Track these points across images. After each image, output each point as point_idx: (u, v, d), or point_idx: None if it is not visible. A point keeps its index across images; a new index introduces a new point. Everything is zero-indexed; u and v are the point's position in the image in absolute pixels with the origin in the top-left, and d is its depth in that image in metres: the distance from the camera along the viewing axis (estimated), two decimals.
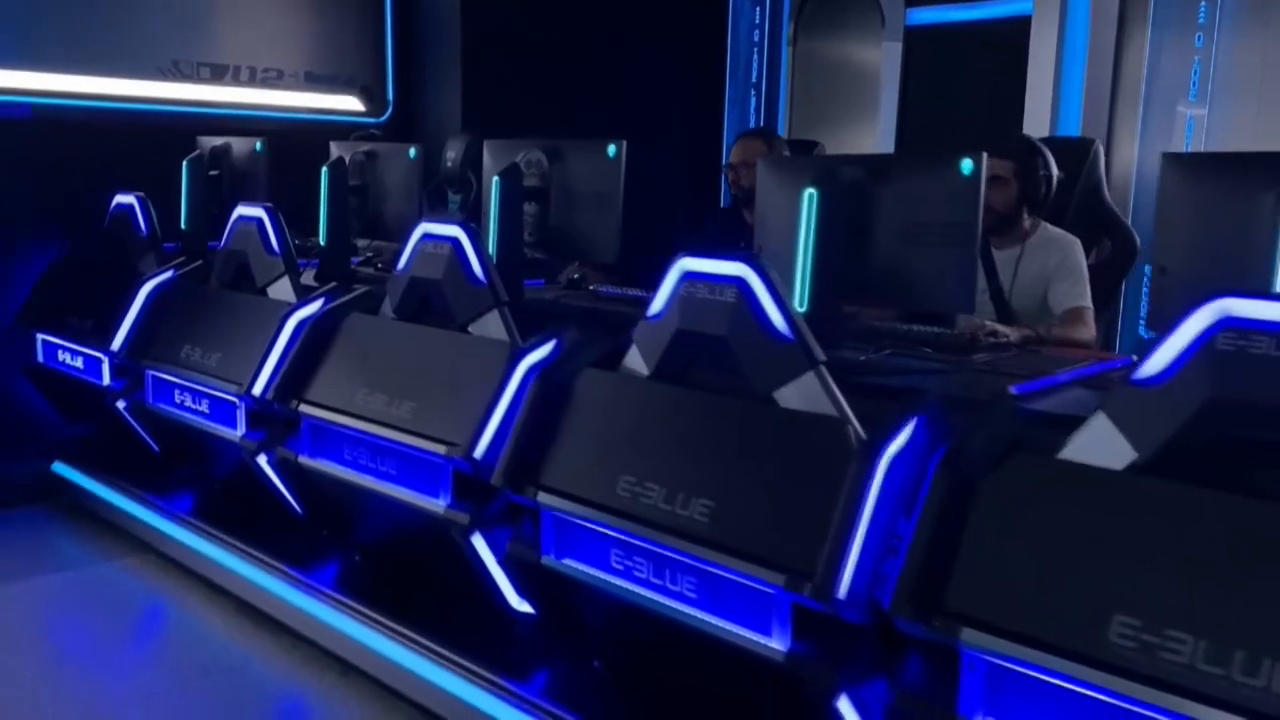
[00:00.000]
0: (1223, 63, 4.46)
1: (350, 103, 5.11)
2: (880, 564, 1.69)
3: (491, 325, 2.51)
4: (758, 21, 5.98)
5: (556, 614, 2.31)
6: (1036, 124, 4.76)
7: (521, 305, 2.76)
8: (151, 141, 4.31)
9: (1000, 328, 2.50)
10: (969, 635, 1.54)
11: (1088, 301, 2.76)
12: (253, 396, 2.87)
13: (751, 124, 6.02)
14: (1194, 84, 4.49)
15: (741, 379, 1.96)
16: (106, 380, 3.56)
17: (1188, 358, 1.48)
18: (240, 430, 3.02)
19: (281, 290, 3.14)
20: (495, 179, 2.77)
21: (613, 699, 2.25)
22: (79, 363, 3.75)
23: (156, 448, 3.57)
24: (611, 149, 2.70)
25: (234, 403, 3.02)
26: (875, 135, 5.49)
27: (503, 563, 2.26)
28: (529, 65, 5.28)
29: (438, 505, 2.42)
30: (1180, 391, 1.48)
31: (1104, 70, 4.69)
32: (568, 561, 2.15)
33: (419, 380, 2.54)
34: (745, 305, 1.94)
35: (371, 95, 5.16)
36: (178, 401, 3.28)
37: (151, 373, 3.35)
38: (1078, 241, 2.84)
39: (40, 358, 3.98)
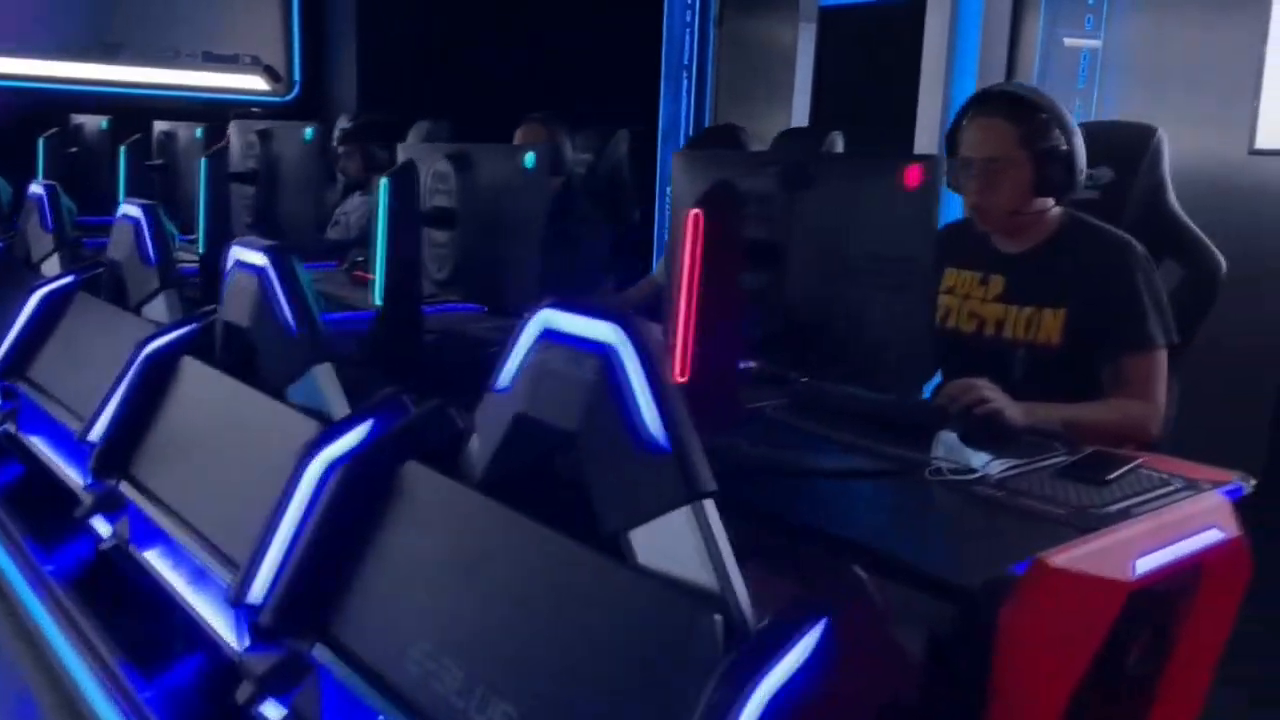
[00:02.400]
0: (1114, 44, 4.16)
1: (256, 82, 5.18)
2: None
3: (158, 308, 2.51)
4: (690, 1, 5.83)
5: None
6: (930, 105, 4.54)
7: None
8: (35, 120, 4.44)
9: None
10: (320, 651, 1.48)
11: None
12: None
13: (683, 107, 5.90)
14: (1083, 66, 4.20)
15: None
16: None
17: (519, 369, 1.38)
18: None
19: (51, 266, 3.21)
20: (202, 161, 2.76)
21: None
22: None
23: None
24: (309, 132, 2.67)
25: None
26: (791, 117, 5.31)
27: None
28: (439, 43, 5.27)
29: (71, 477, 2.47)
30: (505, 404, 1.39)
31: (998, 49, 4.43)
32: (131, 545, 2.16)
33: (89, 359, 2.57)
34: (264, 297, 1.90)
35: (276, 75, 5.22)
36: None
37: None
38: None
39: None
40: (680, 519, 1.17)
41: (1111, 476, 1.50)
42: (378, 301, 2.11)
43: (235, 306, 1.99)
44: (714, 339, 1.50)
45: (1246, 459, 3.74)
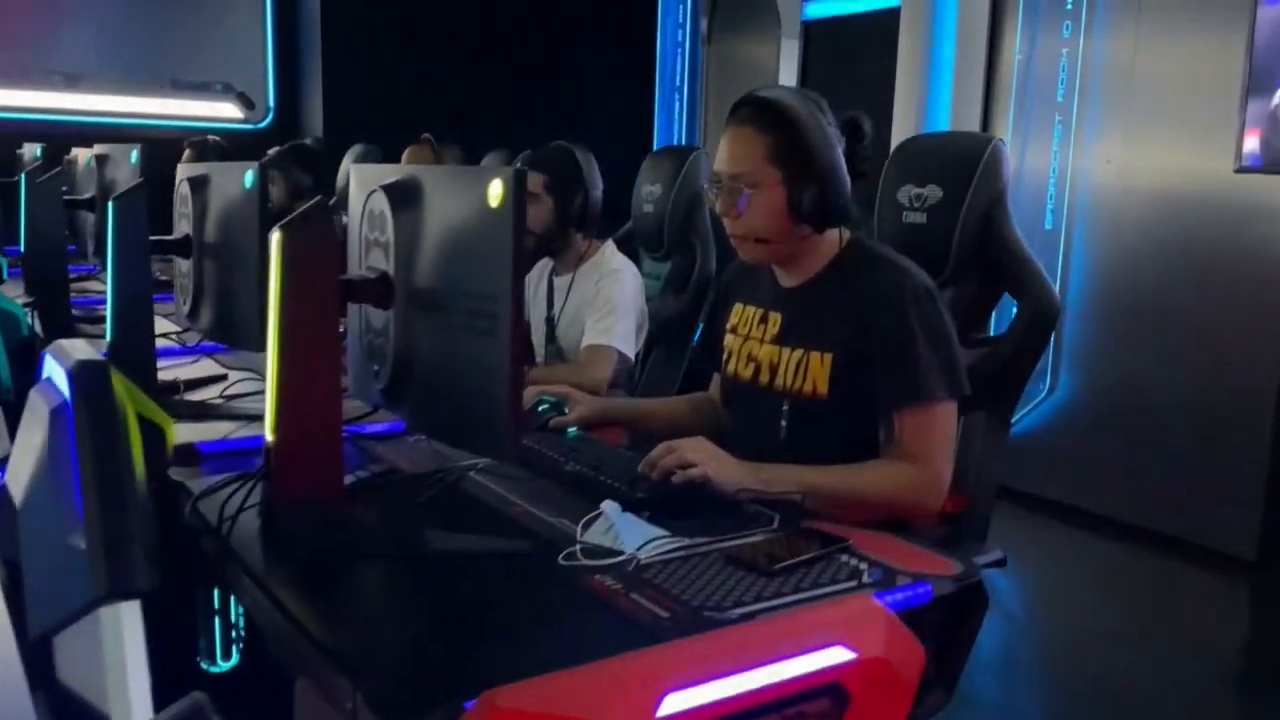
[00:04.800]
0: (1092, 52, 3.79)
1: (228, 109, 5.12)
2: None
3: None
4: (681, 21, 5.60)
5: None
6: (904, 119, 4.22)
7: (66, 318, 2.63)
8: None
9: None
10: None
11: (609, 340, 2.33)
12: None
13: (675, 127, 5.66)
14: (1062, 79, 3.83)
15: None
16: None
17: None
18: None
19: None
20: (36, 185, 2.64)
21: None
22: None
23: None
24: (134, 155, 2.53)
25: None
26: None
27: None
28: (416, 68, 5.13)
29: None
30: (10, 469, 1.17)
31: (975, 60, 4.08)
32: None
33: None
34: None
35: (249, 101, 5.15)
36: None
37: None
38: (622, 270, 2.43)
39: None
40: (93, 625, 0.93)
41: (781, 565, 1.21)
42: (109, 338, 1.92)
43: None
44: (307, 390, 1.26)
45: (1247, 482, 3.34)
